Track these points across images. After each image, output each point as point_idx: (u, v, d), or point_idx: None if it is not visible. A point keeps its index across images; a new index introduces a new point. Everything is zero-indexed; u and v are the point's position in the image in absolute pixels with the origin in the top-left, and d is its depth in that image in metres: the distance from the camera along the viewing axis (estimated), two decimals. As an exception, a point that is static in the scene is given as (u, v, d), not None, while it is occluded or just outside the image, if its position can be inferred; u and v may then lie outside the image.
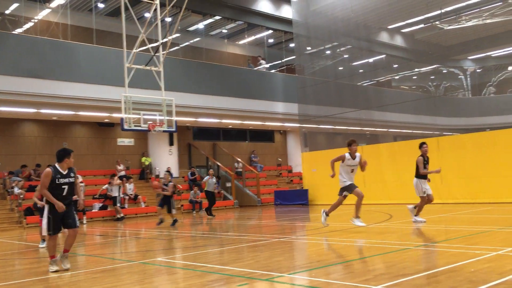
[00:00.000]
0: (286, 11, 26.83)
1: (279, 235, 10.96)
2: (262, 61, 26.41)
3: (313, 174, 22.96)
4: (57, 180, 7.05)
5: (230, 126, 27.15)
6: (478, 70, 37.23)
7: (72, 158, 7.29)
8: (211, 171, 18.93)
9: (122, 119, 15.62)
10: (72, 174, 7.25)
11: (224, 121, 25.16)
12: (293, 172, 29.56)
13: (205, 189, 18.31)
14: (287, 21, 26.58)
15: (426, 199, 11.20)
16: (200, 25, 26.85)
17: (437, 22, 27.76)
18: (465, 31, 29.58)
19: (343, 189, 10.80)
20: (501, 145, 16.72)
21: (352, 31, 27.71)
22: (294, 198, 22.94)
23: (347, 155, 10.73)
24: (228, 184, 24.98)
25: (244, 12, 25.95)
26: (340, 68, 31.30)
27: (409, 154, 19.38)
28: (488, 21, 26.95)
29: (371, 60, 32.04)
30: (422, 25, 28.88)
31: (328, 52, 30.19)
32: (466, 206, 15.81)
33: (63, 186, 7.12)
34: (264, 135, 29.94)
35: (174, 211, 15.34)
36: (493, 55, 35.50)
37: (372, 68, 32.37)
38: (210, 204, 18.28)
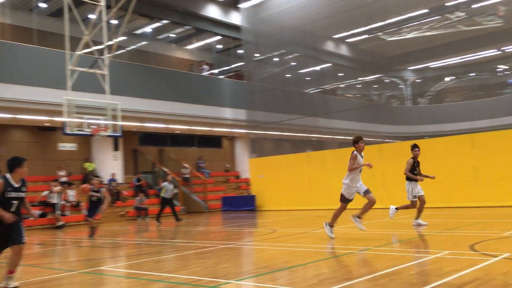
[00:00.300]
0: (235, 17, 26.95)
1: (226, 241, 10.91)
2: (205, 67, 26.15)
3: (261, 180, 23.08)
4: (6, 193, 6.11)
5: (178, 132, 26.83)
6: (417, 81, 38.93)
7: (26, 168, 6.41)
8: (169, 176, 18.32)
9: (64, 123, 15.07)
10: (24, 188, 6.34)
11: (171, 126, 24.84)
12: (240, 178, 29.60)
13: (161, 195, 17.60)
14: (236, 28, 26.69)
15: (418, 202, 10.77)
16: (147, 29, 26.44)
17: (380, 33, 28.83)
18: (406, 43, 30.88)
19: (345, 198, 10.00)
20: (438, 152, 17.52)
21: (299, 39, 28.22)
22: (242, 204, 22.95)
23: (356, 153, 9.73)
24: (175, 190, 24.64)
25: (193, 17, 25.82)
26: (288, 75, 31.78)
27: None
28: (428, 33, 28.29)
29: (317, 68, 32.75)
30: (366, 36, 29.89)
31: (276, 59, 30.57)
32: (407, 210, 16.39)
33: (12, 201, 6.17)
34: (212, 141, 29.81)
35: (91, 219, 13.34)
36: (431, 66, 37.26)
37: (319, 76, 33.10)
38: (160, 211, 17.68)
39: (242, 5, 25.92)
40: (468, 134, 17.78)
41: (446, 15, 25.99)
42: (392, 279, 5.50)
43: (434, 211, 15.63)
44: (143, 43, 27.12)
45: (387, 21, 27.48)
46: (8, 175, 6.27)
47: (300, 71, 32.66)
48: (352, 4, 25.16)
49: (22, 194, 6.32)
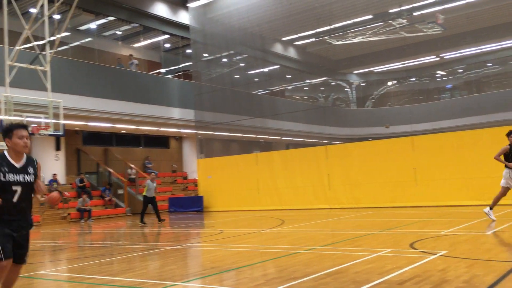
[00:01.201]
0: (183, 17, 26.68)
1: (173, 243, 10.78)
2: (134, 61, 25.33)
3: (209, 180, 22.98)
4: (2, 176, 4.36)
5: (124, 131, 26.21)
6: (362, 84, 40.10)
7: (23, 139, 4.45)
8: (153, 174, 17.21)
9: (1, 121, 14.36)
10: (31, 169, 4.52)
11: (117, 125, 24.23)
12: (188, 178, 29.33)
13: (144, 194, 16.50)
14: (184, 27, 26.43)
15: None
16: (92, 25, 25.65)
17: (326, 37, 29.46)
18: (351, 47, 31.74)
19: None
20: (382, 154, 18.13)
21: (248, 40, 28.34)
22: (189, 205, 22.75)
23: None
24: (120, 191, 24.06)
25: (140, 14, 25.31)
26: (236, 76, 31.82)
27: (300, 161, 20.26)
28: (372, 38, 29.20)
29: (266, 70, 33.02)
30: (313, 39, 30.44)
31: (224, 60, 30.54)
32: (351, 210, 16.86)
33: (13, 187, 4.39)
34: (159, 141, 29.35)
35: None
36: (375, 71, 38.50)
37: (267, 77, 33.38)
38: (143, 211, 16.66)
39: (190, 5, 25.70)
40: (409, 136, 18.51)
41: (389, 21, 26.94)
42: (336, 278, 5.63)
43: (377, 210, 16.14)
44: (88, 39, 26.29)
45: (333, 26, 28.13)
46: (5, 152, 4.53)
47: (248, 72, 32.79)
48: (300, 7, 25.57)
49: (28, 178, 4.49)
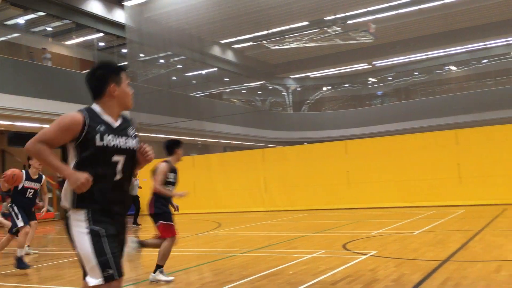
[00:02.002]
0: (119, 15, 25.96)
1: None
2: (47, 55, 24.01)
3: (144, 183, 22.47)
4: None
5: (53, 132, 25.05)
6: (298, 89, 40.92)
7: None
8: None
9: None
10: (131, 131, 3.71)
11: (46, 126, 23.10)
12: (122, 181, 28.51)
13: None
14: (120, 26, 25.71)
15: None
16: (20, 20, 24.34)
17: (264, 41, 29.81)
18: (288, 52, 32.30)
19: None
20: (317, 157, 18.57)
21: (186, 42, 28.08)
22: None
23: None
24: (49, 195, 22.95)
25: (72, 11, 24.32)
26: (174, 78, 31.42)
27: (238, 164, 20.32)
28: (308, 44, 29.89)
29: (203, 72, 32.87)
30: (251, 43, 30.69)
31: (162, 61, 30.06)
32: (287, 213, 17.12)
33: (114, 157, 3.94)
34: (92, 143, 28.34)
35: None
36: (311, 76, 39.43)
37: (205, 80, 33.23)
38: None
39: (126, 3, 25.05)
40: (343, 140, 19.11)
41: (325, 28, 27.70)
42: (271, 280, 5.68)
43: (312, 213, 16.50)
44: (15, 35, 24.91)
45: (271, 30, 28.51)
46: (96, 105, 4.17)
47: (186, 74, 32.49)
48: (238, 11, 25.68)
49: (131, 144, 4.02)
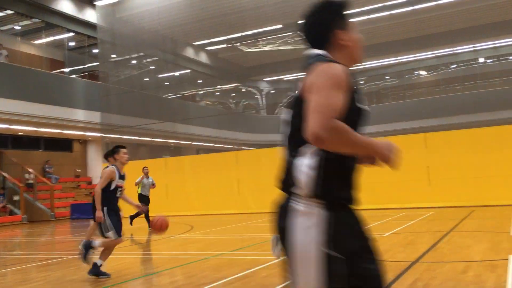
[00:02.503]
0: (90, 15, 25.55)
1: (74, 251, 10.21)
2: (3, 51, 23.15)
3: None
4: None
5: (21, 133, 24.43)
6: (272, 91, 41.08)
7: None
8: (146, 168, 14.84)
9: None
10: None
11: (13, 127, 22.51)
12: (93, 184, 28.01)
13: (139, 192, 14.39)
14: (91, 25, 25.30)
15: None
16: (-13, 18, 23.70)
17: (238, 44, 29.84)
18: (262, 55, 32.42)
19: None
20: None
21: (159, 43, 27.83)
22: (94, 212, 21.73)
23: None
24: (16, 198, 22.37)
25: (42, 9, 23.81)
26: (146, 79, 31.09)
27: (211, 166, 20.24)
28: (281, 47, 30.06)
29: (176, 73, 32.63)
30: (225, 45, 30.67)
31: (134, 61, 29.72)
32: (260, 215, 17.13)
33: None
34: (62, 144, 27.74)
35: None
36: (284, 79, 39.65)
37: (178, 81, 32.99)
38: (146, 212, 14.41)
39: (98, 3, 24.68)
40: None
41: (298, 32, 27.93)
42: (244, 283, 5.67)
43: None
44: (-19, 33, 24.24)
45: (244, 33, 28.55)
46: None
47: (159, 76, 32.19)
48: (212, 13, 25.61)
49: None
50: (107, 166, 7.10)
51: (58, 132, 25.00)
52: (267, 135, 35.28)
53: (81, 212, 22.02)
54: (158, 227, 6.17)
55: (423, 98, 33.63)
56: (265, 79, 39.57)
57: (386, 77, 38.52)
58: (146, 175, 14.59)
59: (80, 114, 23.96)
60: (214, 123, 31.05)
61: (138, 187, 14.54)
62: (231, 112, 37.77)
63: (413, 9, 25.81)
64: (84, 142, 28.92)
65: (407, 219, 12.22)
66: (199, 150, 33.41)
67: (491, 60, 34.83)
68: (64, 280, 6.56)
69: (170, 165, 21.26)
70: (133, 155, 27.09)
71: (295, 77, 38.90)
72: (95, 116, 24.12)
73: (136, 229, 14.92)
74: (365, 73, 38.40)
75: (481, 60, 35.07)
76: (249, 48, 30.18)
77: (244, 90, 40.25)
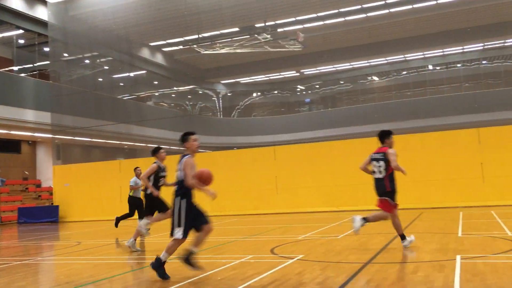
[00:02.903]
0: (41, 12, 24.68)
1: (22, 257, 9.80)
2: None
3: (66, 189, 21.45)
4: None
5: (-35, 134, 23.30)
6: (228, 94, 41.05)
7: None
8: (138, 169, 13.75)
9: None
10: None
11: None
12: (42, 186, 27.03)
13: (131, 194, 13.31)
14: (42, 23, 24.45)
15: None
16: None
17: (195, 46, 29.61)
18: (219, 57, 32.33)
19: None
20: (246, 163, 18.69)
21: (113, 43, 27.24)
22: (42, 215, 20.97)
23: None
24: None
25: (-10, 5, 22.82)
26: (100, 79, 30.34)
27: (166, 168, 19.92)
28: (238, 50, 30.08)
29: (132, 74, 32.03)
30: (181, 47, 30.37)
31: (87, 61, 28.94)
32: (215, 218, 17.03)
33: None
34: (9, 145, 26.60)
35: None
36: (241, 82, 39.72)
37: (133, 82, 32.39)
38: (129, 215, 13.54)
39: (49, 0, 23.89)
40: (271, 146, 19.38)
41: (255, 35, 28.04)
42: (199, 286, 5.62)
43: (241, 218, 16.56)
44: None
45: (201, 35, 28.39)
46: None
47: (113, 76, 31.49)
48: (168, 14, 25.32)
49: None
50: (186, 155, 6.52)
51: (6, 133, 23.99)
52: (223, 138, 35.25)
53: (29, 216, 21.20)
54: (205, 178, 6.21)
55: (376, 103, 34.55)
56: (221, 82, 39.49)
57: (341, 82, 39.32)
58: (138, 176, 13.56)
59: (29, 114, 23.08)
60: (170, 125, 30.67)
61: (131, 190, 13.45)
62: (187, 114, 37.44)
63: (366, 16, 26.49)
64: (33, 143, 27.88)
65: (360, 221, 12.47)
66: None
67: (439, 68, 36.24)
68: (12, 287, 6.28)
69: (124, 167, 20.82)
70: (85, 158, 26.42)
71: (252, 80, 39.11)
72: (45, 117, 23.30)
73: (84, 234, 14.52)
74: (321, 77, 39.06)
75: (430, 67, 36.43)
76: (206, 50, 30.01)
77: (201, 92, 40.00)
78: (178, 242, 6.14)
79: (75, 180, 21.37)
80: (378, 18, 26.98)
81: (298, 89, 41.29)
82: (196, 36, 28.54)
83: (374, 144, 8.90)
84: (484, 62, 35.18)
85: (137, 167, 13.90)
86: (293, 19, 26.74)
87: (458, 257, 6.42)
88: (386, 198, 7.85)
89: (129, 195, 13.30)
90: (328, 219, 13.63)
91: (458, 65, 35.59)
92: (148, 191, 9.50)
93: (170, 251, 6.14)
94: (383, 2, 24.89)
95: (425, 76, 36.57)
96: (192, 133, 6.52)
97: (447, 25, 29.12)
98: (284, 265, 6.63)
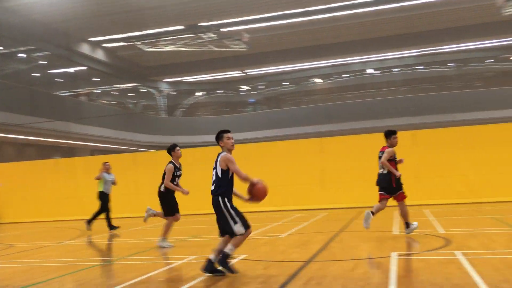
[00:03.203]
0: (-28, 2, 23.29)
1: None
2: None
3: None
4: None
5: None
6: (172, 93, 40.53)
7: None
8: (107, 164, 13.25)
9: None
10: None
11: None
12: (-29, 187, 25.49)
13: (100, 190, 12.79)
14: (-28, 13, 23.08)
15: None
16: None
17: (138, 43, 29.00)
18: (163, 55, 31.84)
19: None
20: (189, 162, 18.50)
21: (51, 37, 26.15)
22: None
23: None
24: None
25: None
26: (36, 74, 29.05)
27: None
28: (183, 49, 29.79)
29: (71, 70, 30.91)
30: (123, 43, 29.62)
31: (22, 55, 27.62)
32: (158, 218, 16.76)
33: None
34: None
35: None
36: (185, 80, 39.33)
37: (72, 78, 31.27)
38: (106, 212, 12.99)
39: (-19, -11, 22.61)
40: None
41: (200, 34, 27.87)
42: (141, 288, 5.51)
43: (183, 218, 16.38)
44: None
45: (145, 32, 27.84)
46: None
47: (50, 71, 30.25)
48: (109, 9, 24.57)
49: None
50: (221, 153, 6.37)
51: None
52: (167, 137, 34.73)
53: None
54: (261, 193, 6.11)
55: (318, 104, 35.33)
56: (165, 80, 38.92)
57: (285, 83, 39.88)
58: (108, 171, 13.18)
59: (-43, 110, 21.76)
60: (111, 124, 29.86)
61: (100, 185, 12.98)
62: (129, 112, 36.61)
63: (310, 19, 27.02)
64: (-39, 140, 26.28)
65: (302, 220, 12.72)
66: (94, 151, 31.92)
67: (379, 72, 37.63)
68: None
69: (61, 166, 20.04)
70: (19, 156, 25.20)
71: (197, 79, 38.83)
72: (-25, 113, 22.05)
73: (18, 236, 13.87)
74: (265, 78, 39.43)
75: (369, 71, 37.75)
76: (149, 48, 29.47)
77: (144, 90, 39.24)
78: (244, 236, 5.96)
79: (8, 180, 20.31)
80: (322, 21, 27.59)
81: (243, 89, 41.45)
82: (139, 33, 27.96)
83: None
84: (419, 67, 36.90)
85: (106, 162, 13.62)
86: (238, 19, 26.81)
87: (393, 254, 6.69)
88: (399, 191, 8.64)
89: (99, 191, 12.97)
90: (271, 219, 13.78)
91: (396, 69, 37.11)
92: (163, 189, 9.40)
93: (238, 244, 5.96)
94: (326, 6, 25.49)
95: (365, 79, 37.83)
96: (227, 131, 6.31)
97: (386, 31, 30.27)
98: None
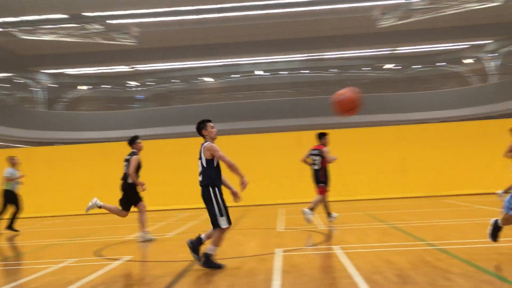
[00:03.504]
0: None
1: None
2: None
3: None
4: None
5: None
6: (53, 85, 37.85)
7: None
8: (16, 158, 11.94)
9: None
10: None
11: None
12: None
13: (7, 188, 11.47)
14: None
15: None
16: None
17: (13, 29, 26.64)
18: (42, 44, 29.60)
19: None
20: (70, 159, 17.45)
21: None
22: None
23: None
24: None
25: None
26: None
27: None
28: (65, 39, 27.98)
29: None
30: (-3, 29, 27.00)
31: None
32: (33, 220, 15.57)
33: None
34: None
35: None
36: (67, 73, 36.99)
37: None
38: (14, 212, 11.70)
39: None
40: (101, 143, 18.46)
41: (84, 25, 26.39)
42: (12, 297, 5.07)
43: (62, 219, 15.42)
44: None
45: (21, 18, 25.64)
46: None
47: None
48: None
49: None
50: (206, 142, 6.23)
51: None
52: (46, 132, 32.35)
53: None
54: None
55: (208, 103, 35.42)
56: (45, 71, 36.23)
57: (175, 80, 39.38)
58: (15, 165, 11.88)
59: None
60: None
61: (5, 183, 11.70)
62: (3, 105, 33.51)
63: (204, 17, 26.99)
64: None
65: (190, 219, 12.66)
66: (-42, 147, 28.67)
67: (267, 74, 38.82)
68: None
69: None
70: None
71: (80, 72, 36.74)
72: None
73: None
74: (154, 74, 38.58)
75: (258, 72, 38.80)
76: (26, 36, 27.21)
77: (21, 81, 36.16)
78: (223, 231, 5.92)
79: None
80: (213, 21, 27.70)
81: (131, 85, 40.13)
82: (15, 19, 25.71)
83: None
84: (305, 71, 38.77)
85: (14, 157, 12.25)
86: (127, 12, 25.87)
87: (278, 251, 6.93)
88: (322, 184, 9.77)
89: (4, 189, 11.72)
90: (159, 218, 13.53)
91: (283, 72, 38.58)
92: (130, 181, 8.83)
93: (217, 243, 5.94)
94: (218, 6, 25.64)
95: (253, 80, 38.78)
96: (209, 120, 6.29)
97: (275, 35, 31.31)
98: (111, 267, 6.36)
